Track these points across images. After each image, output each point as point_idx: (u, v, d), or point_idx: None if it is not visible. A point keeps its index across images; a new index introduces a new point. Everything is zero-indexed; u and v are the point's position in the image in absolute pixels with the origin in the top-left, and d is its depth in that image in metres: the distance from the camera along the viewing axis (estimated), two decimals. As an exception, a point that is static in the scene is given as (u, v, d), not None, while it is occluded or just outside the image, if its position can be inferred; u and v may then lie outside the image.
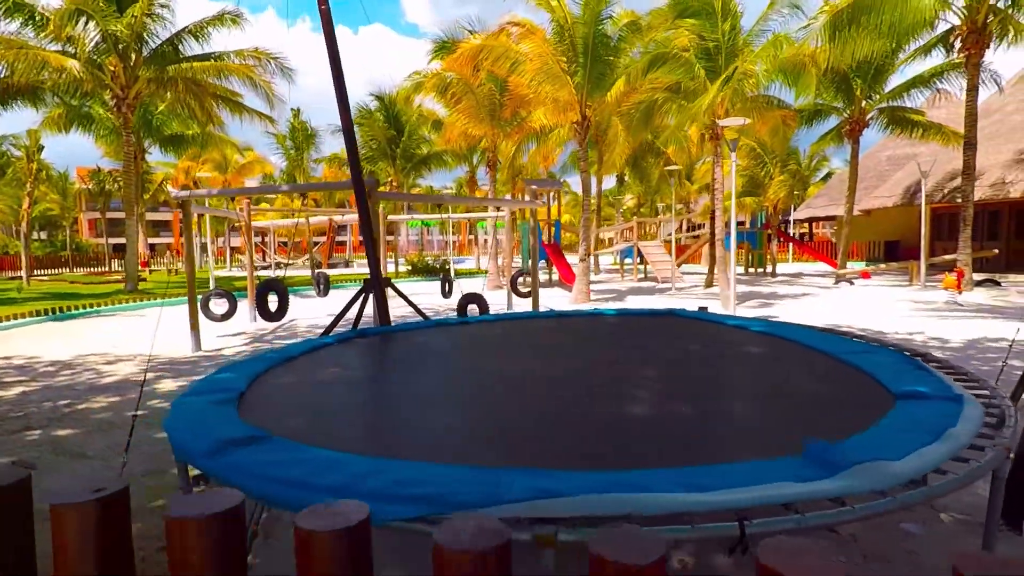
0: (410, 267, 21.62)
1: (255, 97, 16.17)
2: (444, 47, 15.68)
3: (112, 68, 14.63)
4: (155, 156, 27.67)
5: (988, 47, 12.45)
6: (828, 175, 33.53)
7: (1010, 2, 11.84)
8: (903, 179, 21.26)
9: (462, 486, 1.52)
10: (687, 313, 4.73)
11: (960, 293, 10.80)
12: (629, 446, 2.03)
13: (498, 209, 15.91)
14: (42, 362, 6.91)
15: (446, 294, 12.13)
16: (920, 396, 2.33)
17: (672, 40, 10.64)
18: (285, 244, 32.35)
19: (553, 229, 18.10)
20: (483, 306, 7.40)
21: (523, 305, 11.41)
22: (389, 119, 19.06)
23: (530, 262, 15.13)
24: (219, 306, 8.99)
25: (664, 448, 1.99)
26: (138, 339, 8.57)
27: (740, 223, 27.42)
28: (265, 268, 28.05)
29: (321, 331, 6.66)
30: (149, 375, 6.11)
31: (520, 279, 10.22)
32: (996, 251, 15.61)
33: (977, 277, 13.98)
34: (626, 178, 25.19)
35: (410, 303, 5.57)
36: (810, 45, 11.92)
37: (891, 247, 25.31)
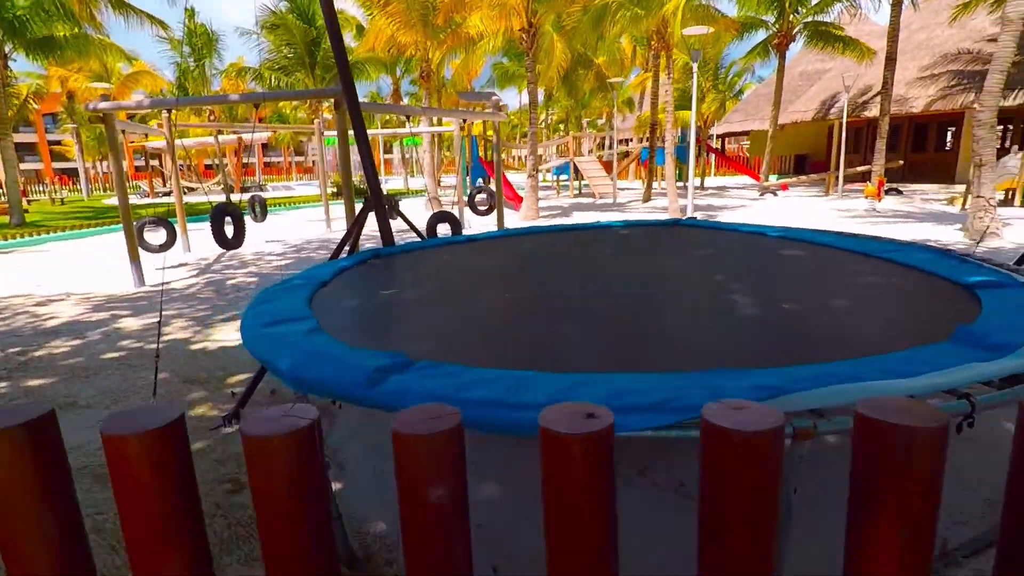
0: (335, 188, 20.43)
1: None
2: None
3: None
4: (21, 65, 23.87)
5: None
6: (741, 92, 34.53)
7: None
8: (817, 94, 22.21)
9: (687, 391, 1.44)
10: (692, 222, 4.76)
11: (880, 201, 11.66)
12: (799, 343, 2.03)
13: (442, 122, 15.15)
14: (-44, 305, 6.02)
15: (392, 216, 11.63)
16: (992, 284, 2.47)
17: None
18: (184, 167, 29.53)
19: (491, 145, 17.56)
20: (456, 226, 7.12)
21: (482, 224, 11.19)
22: (305, 23, 17.22)
23: (488, 181, 14.72)
24: (155, 236, 8.13)
25: (828, 343, 2.00)
26: (59, 276, 7.64)
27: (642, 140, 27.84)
28: (167, 194, 25.64)
29: (270, 259, 6.17)
30: (99, 315, 5.49)
31: (479, 196, 9.91)
32: (901, 162, 16.88)
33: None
34: (554, 92, 24.65)
35: (410, 224, 5.24)
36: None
37: (800, 160, 26.78)
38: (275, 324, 2.28)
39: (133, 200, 23.29)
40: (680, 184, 21.21)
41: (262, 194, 13.26)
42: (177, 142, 25.33)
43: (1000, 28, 10.16)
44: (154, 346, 4.45)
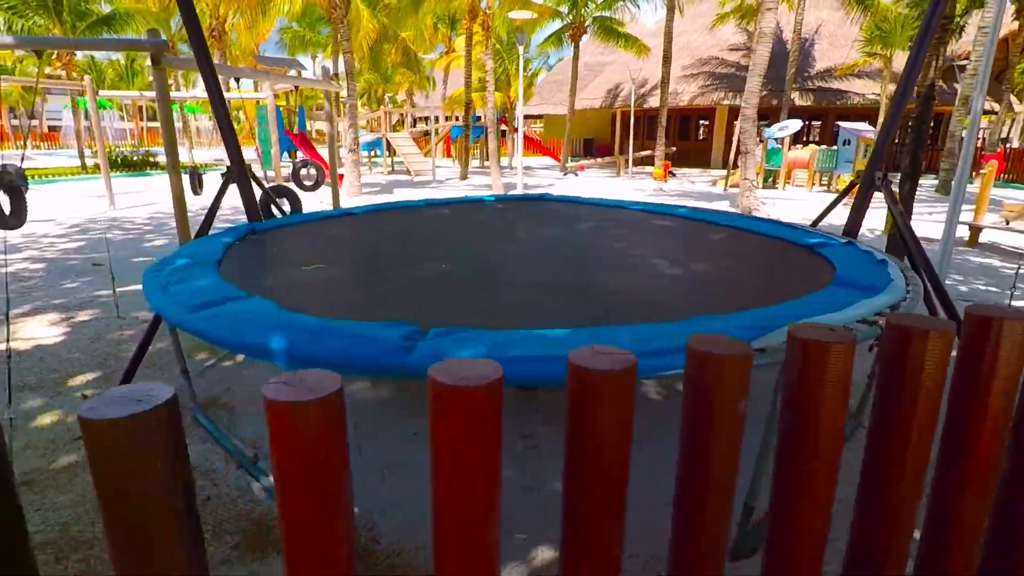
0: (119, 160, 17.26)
1: None
2: None
3: None
4: None
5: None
6: (534, 76, 36.67)
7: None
8: (603, 84, 24.62)
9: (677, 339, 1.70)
10: (552, 197, 5.14)
11: (666, 181, 13.51)
12: (728, 295, 2.40)
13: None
14: None
15: (197, 191, 10.37)
16: (823, 244, 3.18)
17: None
18: None
19: (296, 116, 16.38)
20: (296, 202, 6.63)
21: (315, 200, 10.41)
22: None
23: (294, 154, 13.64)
24: None
25: (747, 294, 2.41)
26: None
27: (478, 119, 28.61)
28: None
29: (50, 241, 5.08)
30: None
31: (304, 171, 9.20)
32: (674, 149, 19.63)
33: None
34: (357, 65, 23.56)
35: (270, 197, 4.73)
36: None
37: (588, 144, 29.53)
38: (209, 306, 2.04)
39: None
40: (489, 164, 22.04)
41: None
42: None
43: (756, 41, 12.27)
44: (-65, 352, 3.53)
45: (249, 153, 20.78)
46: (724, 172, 15.37)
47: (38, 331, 3.94)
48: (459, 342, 1.64)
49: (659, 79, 21.32)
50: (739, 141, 9.45)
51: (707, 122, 22.71)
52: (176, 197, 5.30)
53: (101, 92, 10.41)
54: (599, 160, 19.74)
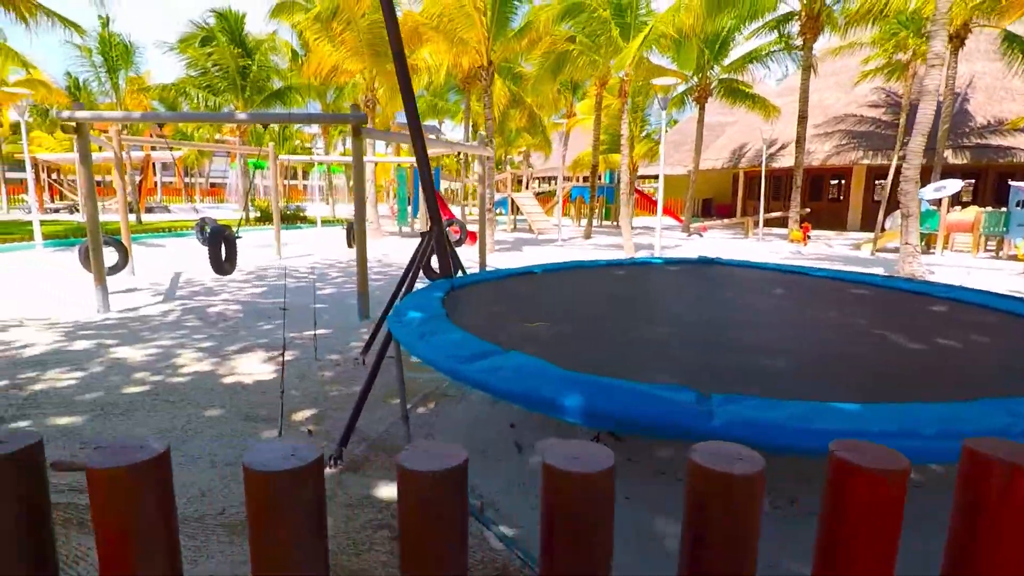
0: (259, 213, 19.40)
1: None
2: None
3: None
4: None
5: (820, 33, 14.61)
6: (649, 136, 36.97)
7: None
8: (725, 144, 24.30)
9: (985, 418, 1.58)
10: (724, 261, 5.08)
11: (805, 244, 12.88)
12: (968, 377, 2.23)
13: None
14: None
15: (351, 244, 11.28)
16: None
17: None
18: (69, 182, 26.85)
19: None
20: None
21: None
22: (235, 43, 16.41)
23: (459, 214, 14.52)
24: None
25: (973, 376, 2.22)
26: (7, 302, 6.67)
27: (586, 178, 29.15)
28: (56, 211, 23.10)
29: (236, 286, 5.63)
30: (82, 344, 4.87)
31: (447, 228, 9.80)
32: (808, 210, 18.79)
33: (784, 231, 16.78)
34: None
35: (455, 259, 5.04)
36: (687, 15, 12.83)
37: (706, 204, 28.98)
38: (478, 359, 2.19)
39: (17, 215, 20.70)
40: (609, 223, 22.22)
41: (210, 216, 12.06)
42: (49, 156, 23.18)
43: (907, 98, 11.65)
44: (176, 380, 4.03)
45: (382, 210, 22.21)
46: (864, 235, 14.43)
47: (254, 367, 4.39)
48: (755, 408, 1.64)
49: (787, 139, 20.74)
50: (900, 203, 8.87)
51: (841, 182, 21.59)
52: (360, 254, 5.80)
53: (283, 156, 11.84)
54: (724, 221, 19.29)
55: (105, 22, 17.12)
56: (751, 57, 17.89)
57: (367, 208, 15.79)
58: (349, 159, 15.58)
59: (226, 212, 27.71)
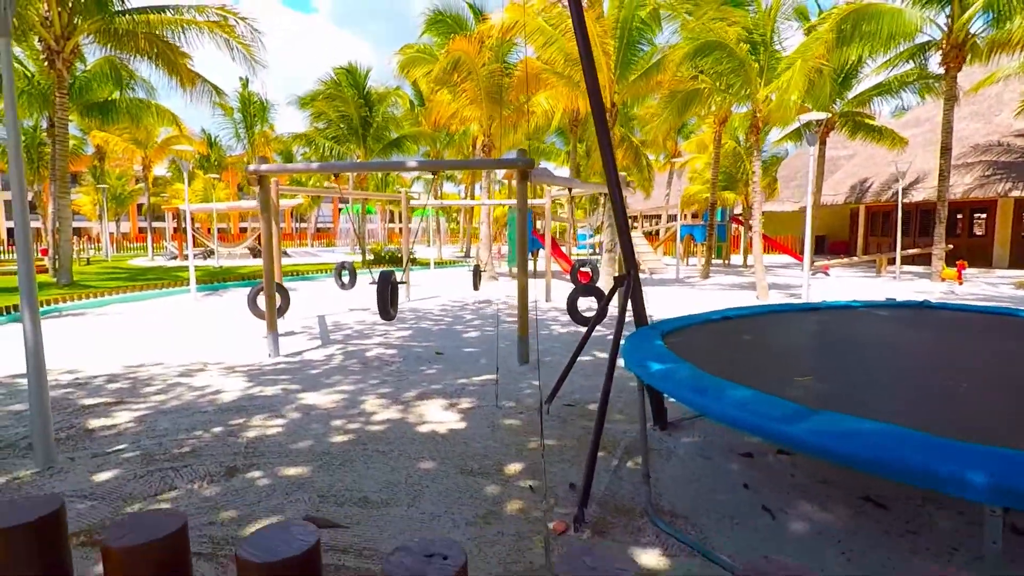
0: (372, 256, 20.23)
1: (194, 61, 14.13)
2: (440, 20, 14.69)
3: (44, 10, 12.21)
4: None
5: (965, 61, 13.55)
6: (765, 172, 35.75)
7: (991, 22, 12.87)
8: (843, 179, 22.96)
9: None
10: (936, 304, 4.54)
11: (961, 283, 11.67)
12: None
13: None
14: (91, 376, 5.48)
15: (477, 287, 11.37)
16: None
17: (716, 28, 10.46)
18: (197, 229, 29.30)
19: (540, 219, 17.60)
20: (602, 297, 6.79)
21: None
22: (360, 96, 17.54)
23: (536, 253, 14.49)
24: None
25: None
26: (168, 344, 7.12)
27: (694, 215, 28.39)
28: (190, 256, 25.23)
29: (382, 328, 5.61)
30: (269, 389, 5.00)
31: (582, 270, 9.66)
32: (951, 246, 17.22)
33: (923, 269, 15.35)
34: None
35: (640, 305, 4.81)
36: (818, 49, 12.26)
37: (819, 241, 27.34)
38: (798, 419, 1.91)
39: (160, 262, 22.82)
40: (720, 262, 21.37)
41: (347, 260, 12.58)
42: (206, 206, 25.34)
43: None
44: (374, 428, 3.99)
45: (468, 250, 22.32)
46: (1015, 272, 12.90)
47: (440, 415, 4.30)
48: None
49: (916, 172, 19.28)
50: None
51: (984, 216, 19.70)
52: (521, 298, 5.70)
53: (418, 202, 12.31)
54: (852, 259, 18.00)
55: (245, 83, 18.74)
56: (881, 89, 16.89)
57: (481, 250, 16.01)
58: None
59: (338, 255, 29.24)
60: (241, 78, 18.44)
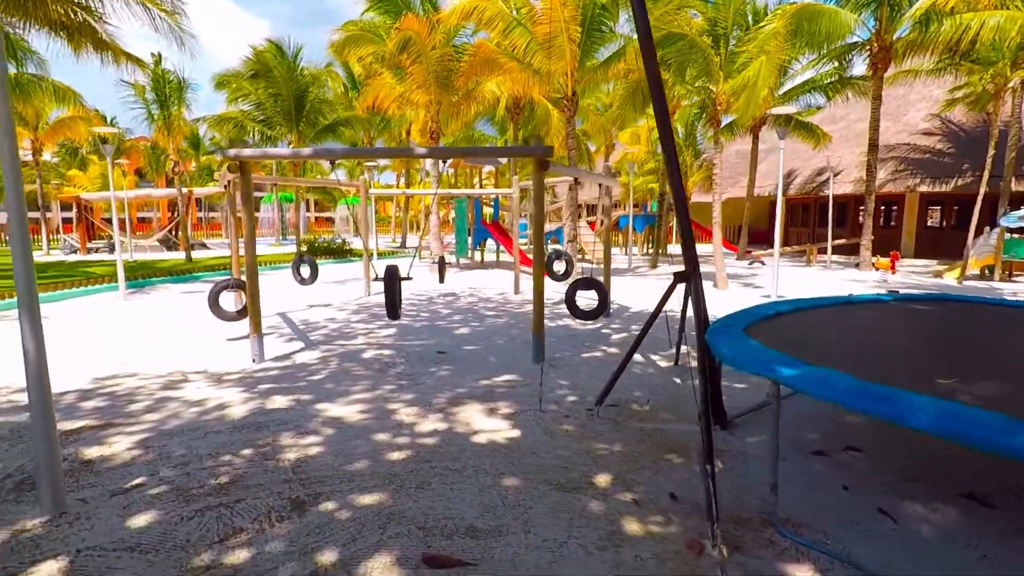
0: (306, 247, 19.07)
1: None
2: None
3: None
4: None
5: (891, 63, 14.53)
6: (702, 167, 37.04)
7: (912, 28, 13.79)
8: (766, 172, 24.18)
9: None
10: (954, 296, 4.73)
11: (894, 272, 12.55)
12: None
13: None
14: (56, 393, 4.68)
15: (443, 280, 10.93)
16: None
17: (678, 19, 10.53)
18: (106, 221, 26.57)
19: (490, 208, 17.33)
20: (603, 294, 6.68)
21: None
22: (291, 76, 16.32)
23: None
24: (229, 301, 6.99)
25: None
26: (123, 351, 6.28)
27: (635, 206, 28.89)
28: (95, 250, 22.77)
29: (364, 328, 5.23)
30: (280, 399, 4.47)
31: (556, 261, 9.46)
32: (872, 238, 18.56)
33: (848, 259, 16.50)
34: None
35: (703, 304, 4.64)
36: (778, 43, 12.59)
37: (740, 231, 28.77)
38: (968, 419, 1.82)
39: (59, 256, 20.37)
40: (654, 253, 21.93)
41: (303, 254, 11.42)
42: (117, 194, 23.05)
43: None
44: (427, 441, 3.62)
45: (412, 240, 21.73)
46: (921, 262, 14.11)
47: (487, 422, 3.99)
48: None
49: (836, 167, 20.65)
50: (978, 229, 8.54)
51: (894, 208, 21.39)
52: (537, 292, 5.46)
53: (373, 190, 11.53)
54: (784, 249, 19.02)
55: (158, 59, 17.07)
56: (808, 87, 17.81)
57: (432, 241, 15.47)
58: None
59: (262, 247, 27.45)
60: (153, 54, 16.68)
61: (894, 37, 14.12)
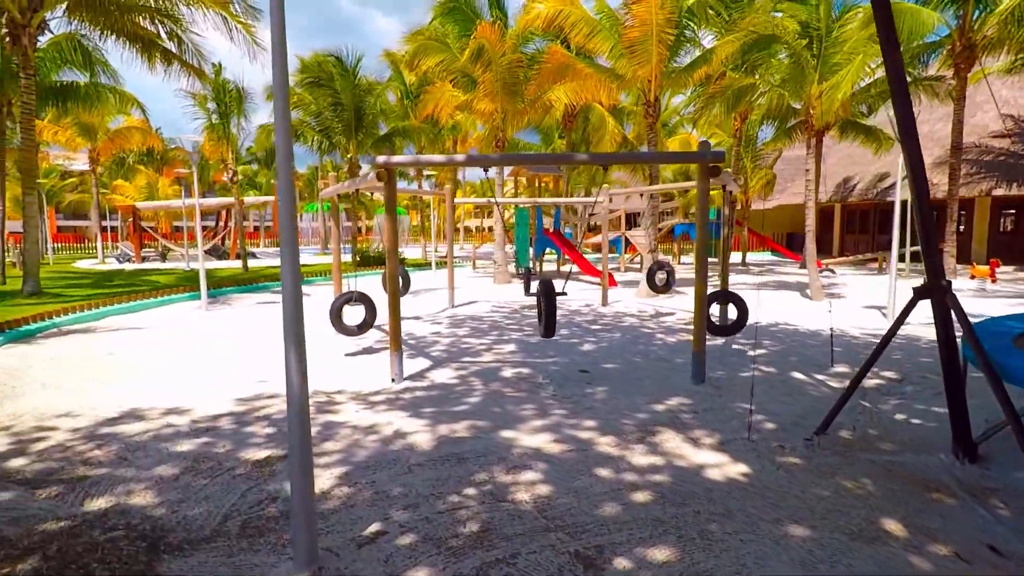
0: (359, 258, 18.91)
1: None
2: (454, 7, 13.80)
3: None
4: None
5: (976, 62, 13.93)
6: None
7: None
8: (826, 178, 23.54)
9: None
10: None
11: (994, 282, 11.93)
12: None
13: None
14: (207, 417, 4.41)
15: (528, 291, 10.57)
16: None
17: (775, 22, 10.13)
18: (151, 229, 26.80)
19: (551, 217, 17.02)
20: (742, 308, 6.27)
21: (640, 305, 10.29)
22: (352, 86, 16.18)
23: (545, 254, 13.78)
24: (352, 314, 6.71)
25: None
26: (256, 367, 6.01)
27: (692, 214, 28.24)
28: (145, 258, 22.88)
29: (464, 345, 4.82)
30: (440, 430, 4.14)
31: (659, 273, 9.08)
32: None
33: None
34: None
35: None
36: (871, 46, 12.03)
37: (791, 238, 28.08)
38: None
39: (114, 265, 20.41)
40: (714, 260, 21.40)
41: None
42: (148, 204, 23.35)
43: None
44: (656, 478, 3.25)
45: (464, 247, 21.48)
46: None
47: (701, 455, 3.60)
48: None
49: (895, 173, 19.96)
50: None
51: (963, 213, 20.62)
52: (699, 303, 5.10)
53: (460, 200, 11.25)
54: (855, 257, 18.45)
55: (219, 69, 17.09)
56: (877, 89, 17.19)
57: (496, 251, 15.16)
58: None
59: (306, 255, 27.48)
60: (214, 64, 16.69)
61: (983, 35, 13.52)
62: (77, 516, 2.83)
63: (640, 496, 3.04)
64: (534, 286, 5.60)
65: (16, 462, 3.51)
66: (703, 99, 11.95)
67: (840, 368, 5.73)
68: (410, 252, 27.78)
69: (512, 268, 16.42)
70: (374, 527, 2.74)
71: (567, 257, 16.01)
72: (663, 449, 3.71)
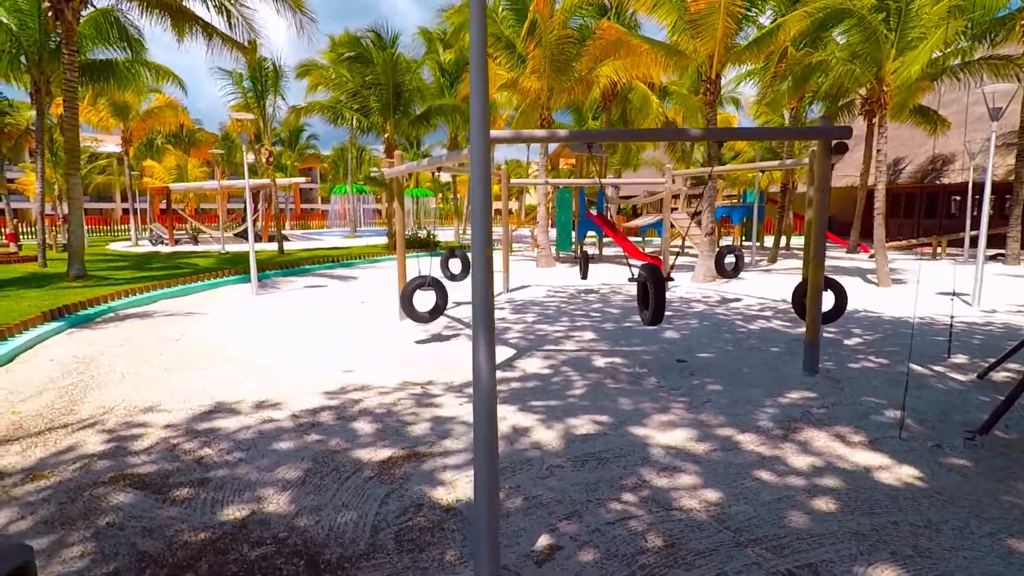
0: (390, 241, 18.64)
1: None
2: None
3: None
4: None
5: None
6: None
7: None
8: (860, 160, 22.77)
9: None
10: None
11: (1067, 268, 11.34)
12: None
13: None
14: (331, 406, 4.18)
15: (585, 275, 10.28)
16: None
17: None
18: (179, 211, 26.76)
19: (595, 199, 16.61)
20: (842, 295, 5.88)
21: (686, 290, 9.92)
22: (391, 64, 15.76)
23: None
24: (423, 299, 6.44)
25: None
26: (337, 354, 5.79)
27: (729, 196, 27.73)
28: (176, 241, 22.82)
29: (539, 330, 4.44)
30: (555, 427, 3.86)
31: (728, 257, 8.68)
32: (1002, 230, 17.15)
33: (990, 252, 15.17)
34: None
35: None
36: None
37: (831, 222, 27.35)
38: None
39: (149, 248, 20.37)
40: (749, 244, 20.86)
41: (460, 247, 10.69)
42: (181, 185, 23.23)
43: None
44: (806, 482, 2.94)
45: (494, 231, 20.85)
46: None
47: (853, 453, 3.28)
48: None
49: (945, 155, 19.22)
50: None
51: (1007, 197, 19.82)
52: (815, 284, 4.73)
53: (515, 181, 10.82)
54: (909, 241, 17.83)
55: (254, 46, 16.73)
56: (941, 67, 16.36)
57: (539, 233, 14.80)
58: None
59: (336, 237, 27.30)
60: (250, 41, 16.35)
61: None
62: (215, 527, 2.59)
63: (821, 504, 2.75)
64: (632, 271, 5.24)
65: (126, 462, 3.29)
66: (767, 77, 11.39)
67: (958, 359, 5.36)
68: (442, 234, 27.50)
69: (554, 251, 16.07)
70: (544, 540, 2.47)
71: (612, 240, 15.61)
72: (815, 448, 3.41)
